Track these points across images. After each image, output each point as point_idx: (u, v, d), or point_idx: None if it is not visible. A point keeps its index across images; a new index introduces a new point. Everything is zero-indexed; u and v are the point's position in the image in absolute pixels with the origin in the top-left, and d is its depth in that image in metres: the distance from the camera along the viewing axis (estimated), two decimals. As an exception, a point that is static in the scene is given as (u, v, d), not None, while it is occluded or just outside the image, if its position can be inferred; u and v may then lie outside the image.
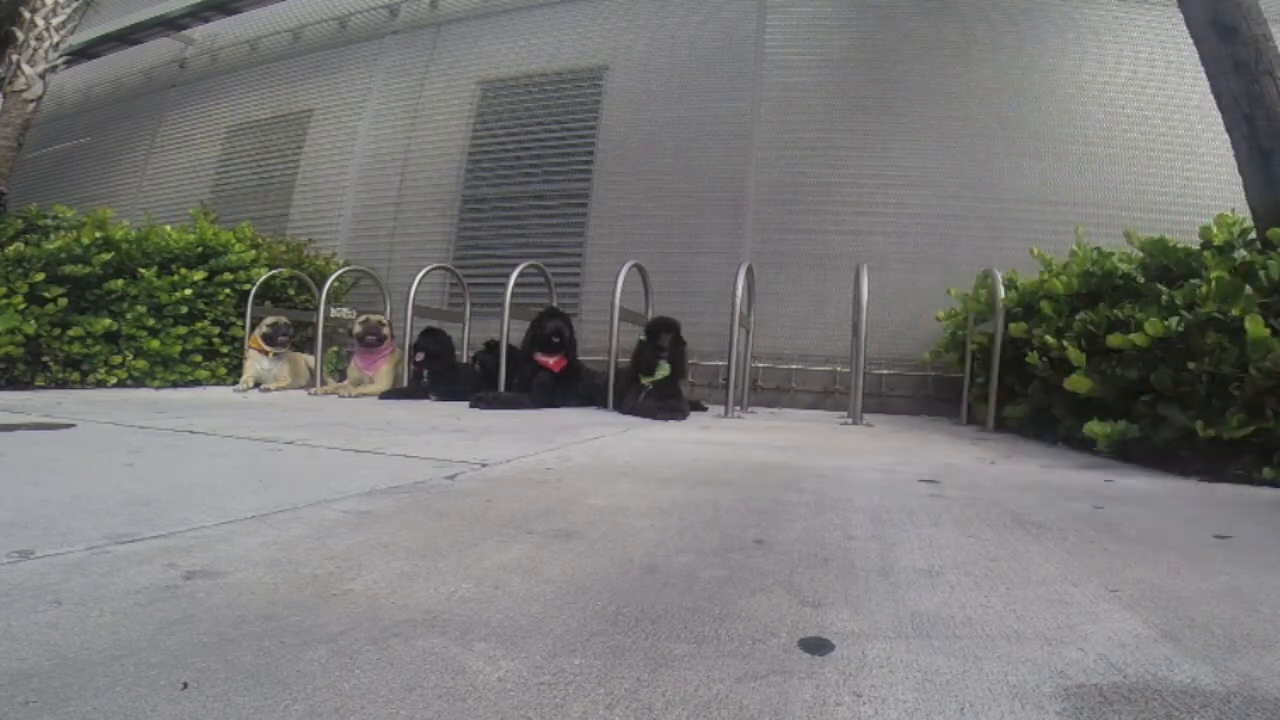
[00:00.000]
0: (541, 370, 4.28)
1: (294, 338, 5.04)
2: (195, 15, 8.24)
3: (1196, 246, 2.67)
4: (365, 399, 4.32)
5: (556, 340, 4.35)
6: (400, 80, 7.13)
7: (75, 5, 5.97)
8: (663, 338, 4.08)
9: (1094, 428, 2.43)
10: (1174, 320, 2.30)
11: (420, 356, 4.68)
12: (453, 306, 5.85)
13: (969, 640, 0.79)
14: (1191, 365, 2.25)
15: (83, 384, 4.33)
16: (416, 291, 4.84)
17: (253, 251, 5.37)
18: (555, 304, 5.10)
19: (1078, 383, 2.68)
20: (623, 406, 4.03)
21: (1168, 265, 2.65)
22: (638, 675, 0.67)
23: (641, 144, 6.00)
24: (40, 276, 4.21)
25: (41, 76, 5.77)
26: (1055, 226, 4.90)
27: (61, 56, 6.03)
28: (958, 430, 3.82)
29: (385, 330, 4.81)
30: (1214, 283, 2.18)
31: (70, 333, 4.29)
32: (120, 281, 4.53)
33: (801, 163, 5.63)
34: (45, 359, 4.26)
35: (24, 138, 5.74)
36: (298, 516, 1.23)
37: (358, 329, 4.80)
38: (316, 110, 7.48)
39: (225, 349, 5.14)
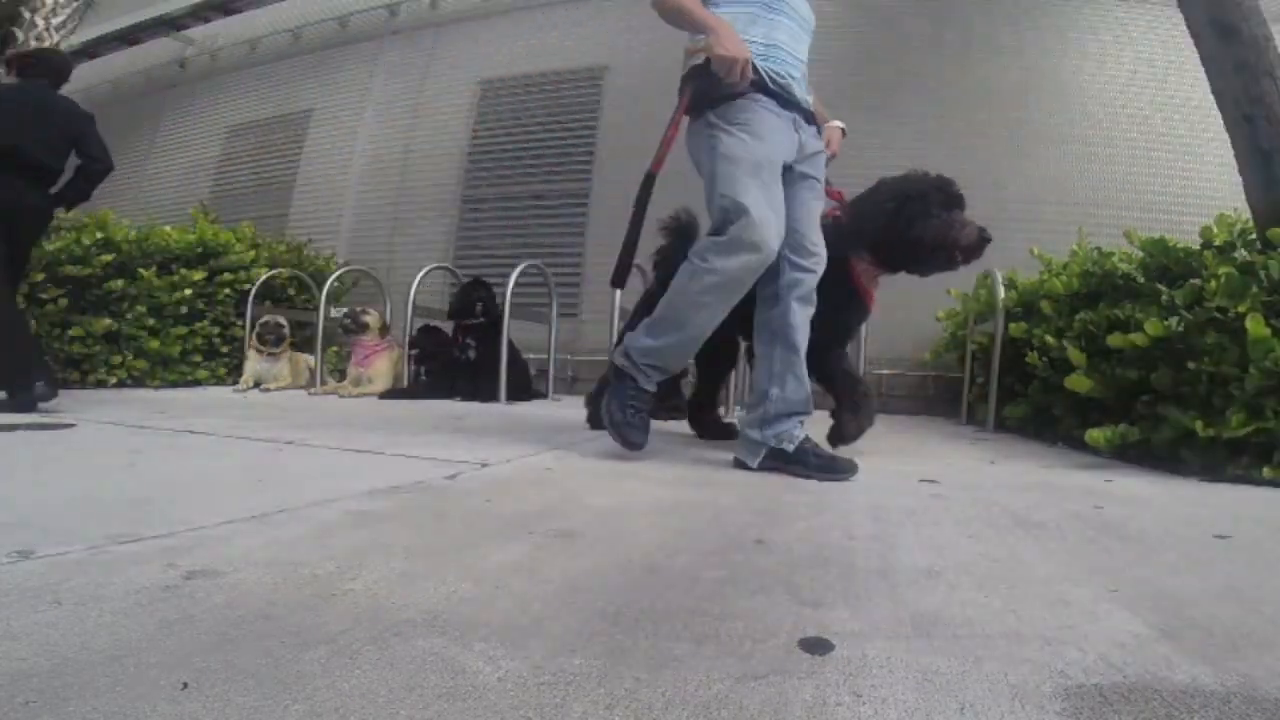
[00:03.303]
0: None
1: (290, 338, 5.00)
2: (195, 15, 8.23)
3: (1196, 246, 2.67)
4: (365, 399, 4.32)
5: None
6: (400, 80, 7.13)
7: (75, 5, 5.97)
8: None
9: (1095, 435, 2.43)
10: (1174, 320, 2.30)
11: (414, 351, 4.70)
12: (453, 306, 5.84)
13: (969, 640, 0.79)
14: (1191, 365, 2.25)
15: (83, 384, 4.32)
16: (416, 291, 4.84)
17: (253, 251, 5.36)
18: (555, 304, 5.10)
19: (1078, 382, 2.68)
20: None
21: (1168, 265, 2.65)
22: (638, 675, 0.67)
23: (641, 144, 5.98)
24: (40, 277, 4.21)
25: (42, 76, 5.75)
26: (1055, 226, 4.90)
27: (61, 56, 6.01)
28: (958, 430, 3.82)
29: (366, 318, 4.80)
30: (1222, 278, 2.18)
31: (70, 333, 4.29)
32: (120, 281, 4.52)
33: (801, 163, 5.62)
34: (45, 359, 4.25)
35: (24, 138, 5.73)
36: (298, 516, 1.23)
37: (344, 320, 4.81)
38: (316, 110, 7.47)
39: (225, 349, 5.13)
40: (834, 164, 2.36)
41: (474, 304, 4.59)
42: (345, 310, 4.86)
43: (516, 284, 4.43)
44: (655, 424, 3.44)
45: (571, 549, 1.10)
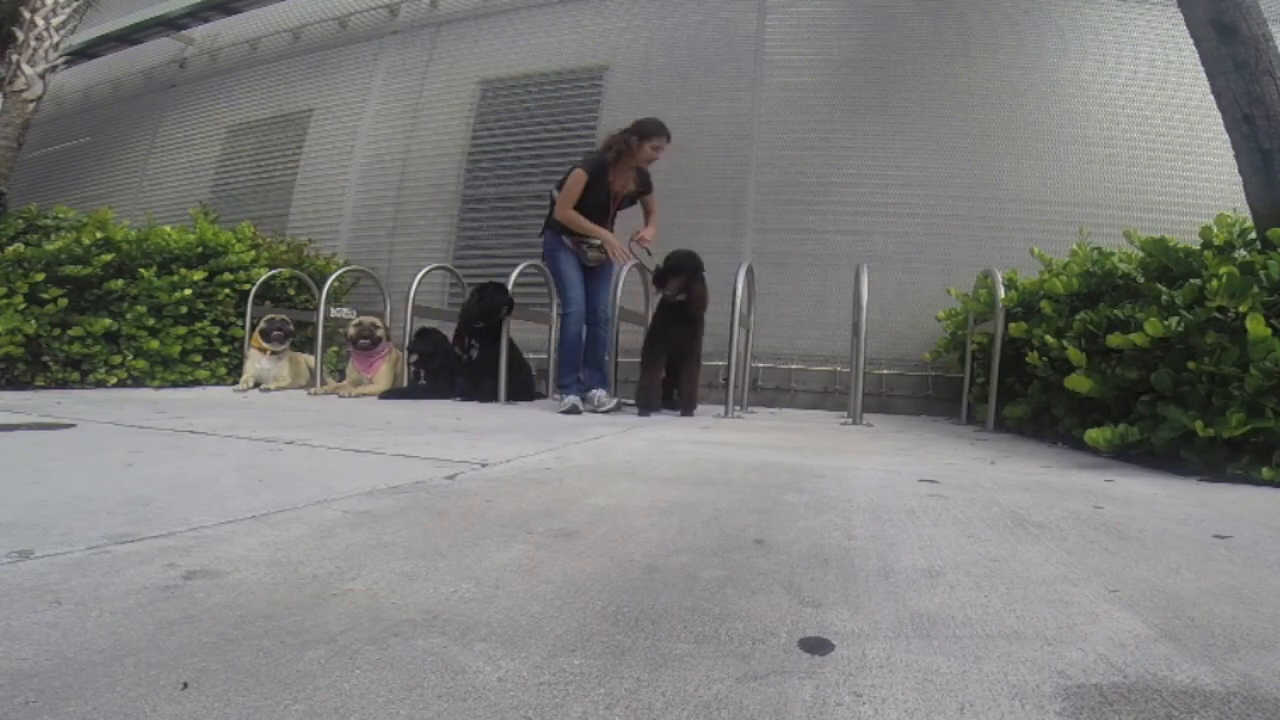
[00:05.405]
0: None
1: (294, 336, 5.03)
2: (195, 15, 8.24)
3: (1196, 246, 2.67)
4: (365, 399, 4.32)
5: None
6: (400, 80, 7.13)
7: (75, 5, 5.97)
8: (671, 283, 4.00)
9: (1095, 435, 2.43)
10: (1174, 320, 2.30)
11: (415, 358, 4.68)
12: (453, 306, 5.84)
13: (969, 640, 0.79)
14: (1191, 365, 2.25)
15: (83, 384, 4.33)
16: (416, 291, 4.84)
17: (253, 251, 5.37)
18: (555, 304, 5.10)
19: (1078, 382, 2.68)
20: (640, 384, 4.07)
21: (1168, 265, 2.65)
22: (638, 675, 0.67)
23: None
24: (40, 277, 4.21)
25: (41, 76, 5.76)
26: (1055, 226, 4.90)
27: (61, 56, 6.02)
28: (958, 430, 3.82)
29: (380, 332, 4.81)
30: (1224, 278, 2.18)
31: (70, 333, 4.29)
32: (120, 281, 4.53)
33: (801, 163, 5.63)
34: (45, 359, 4.25)
35: (24, 138, 5.74)
36: (298, 516, 1.23)
37: (351, 331, 4.80)
38: (316, 110, 7.48)
39: (225, 349, 5.14)
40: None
41: (498, 308, 4.44)
42: (355, 323, 4.85)
43: (516, 284, 4.43)
44: (654, 423, 3.45)
45: (571, 549, 1.10)
